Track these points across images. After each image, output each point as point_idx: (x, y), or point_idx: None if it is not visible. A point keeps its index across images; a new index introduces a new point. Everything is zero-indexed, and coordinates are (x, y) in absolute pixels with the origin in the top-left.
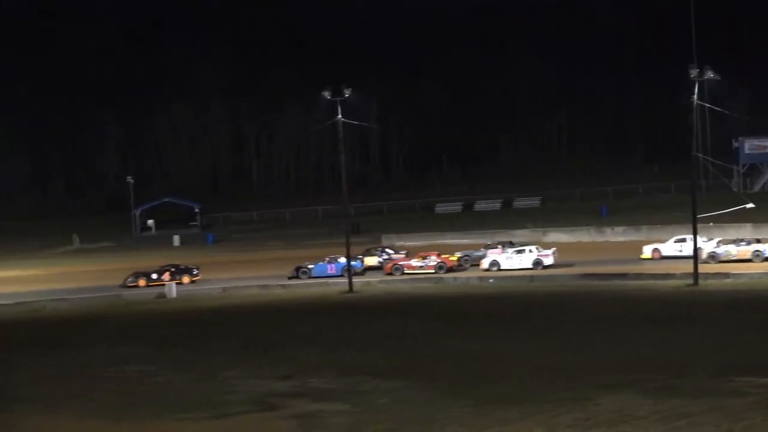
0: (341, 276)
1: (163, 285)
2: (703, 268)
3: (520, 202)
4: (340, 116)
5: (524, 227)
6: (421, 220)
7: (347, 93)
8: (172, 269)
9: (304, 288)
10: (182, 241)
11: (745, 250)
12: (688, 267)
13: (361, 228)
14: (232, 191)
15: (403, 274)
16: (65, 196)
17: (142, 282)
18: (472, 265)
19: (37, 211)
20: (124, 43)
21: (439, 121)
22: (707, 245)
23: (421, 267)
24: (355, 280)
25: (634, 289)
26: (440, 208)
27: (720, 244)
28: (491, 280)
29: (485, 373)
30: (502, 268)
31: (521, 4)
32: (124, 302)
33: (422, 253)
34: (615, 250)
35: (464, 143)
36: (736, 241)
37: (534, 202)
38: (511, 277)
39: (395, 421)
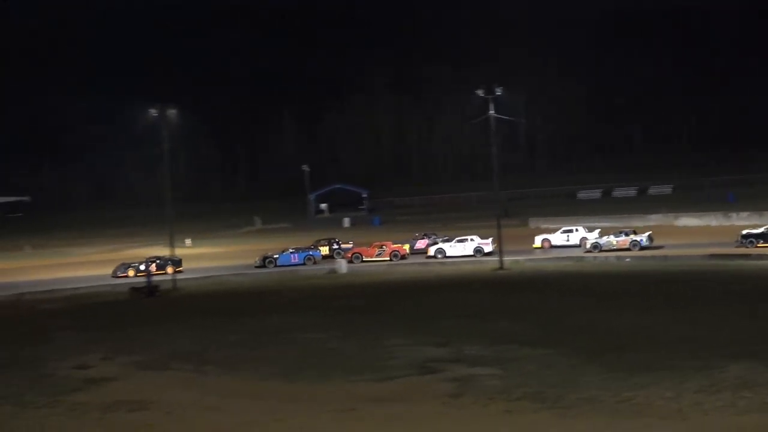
0: (303, 264)
1: (150, 275)
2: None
3: (654, 190)
4: (492, 112)
5: (658, 212)
6: (564, 205)
7: (498, 91)
8: (158, 261)
9: (459, 266)
10: (352, 223)
11: (624, 240)
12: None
13: (510, 212)
14: (394, 179)
15: (363, 261)
16: (249, 182)
17: (131, 272)
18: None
19: (224, 194)
20: (300, 42)
21: (580, 116)
22: (590, 235)
23: (379, 255)
24: (505, 258)
25: (756, 269)
26: (582, 194)
27: (601, 235)
28: (628, 260)
29: (621, 343)
30: (447, 255)
31: (653, 7)
32: (299, 277)
33: (377, 243)
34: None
35: (603, 135)
36: (616, 233)
37: (666, 189)
38: (645, 257)
39: (541, 385)
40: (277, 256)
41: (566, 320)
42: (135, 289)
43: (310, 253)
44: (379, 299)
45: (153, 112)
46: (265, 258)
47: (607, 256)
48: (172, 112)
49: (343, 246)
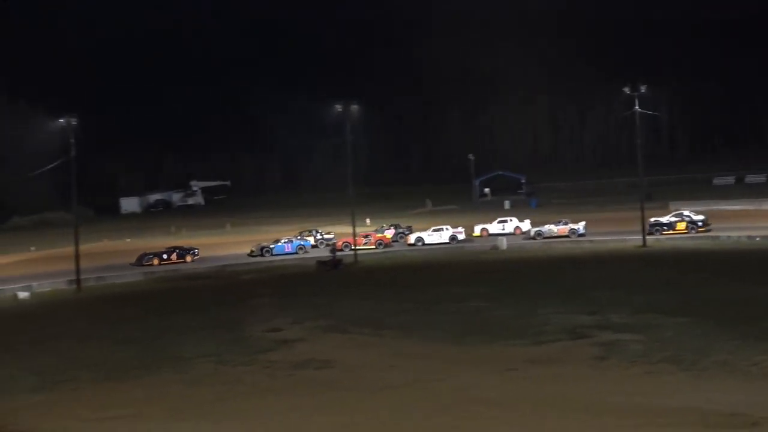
0: (295, 253)
1: (172, 263)
2: None
3: None
4: (636, 107)
5: None
6: (700, 190)
7: (642, 89)
8: (178, 250)
9: (607, 244)
10: (511, 206)
11: (563, 228)
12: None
13: (652, 196)
14: (549, 166)
15: (351, 249)
16: (421, 169)
17: (156, 261)
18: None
19: (399, 179)
20: (467, 43)
21: (716, 110)
22: (523, 225)
23: (365, 243)
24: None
25: None
26: (717, 180)
27: (533, 225)
28: (758, 238)
29: (752, 313)
30: (426, 243)
31: None
32: (464, 252)
33: (363, 233)
34: None
35: (736, 127)
36: (556, 222)
37: None
38: None
39: (678, 349)
40: (273, 246)
41: (703, 292)
42: (321, 263)
43: (302, 243)
44: (536, 272)
45: (338, 107)
46: (262, 248)
47: (739, 236)
48: (354, 107)
49: (326, 236)
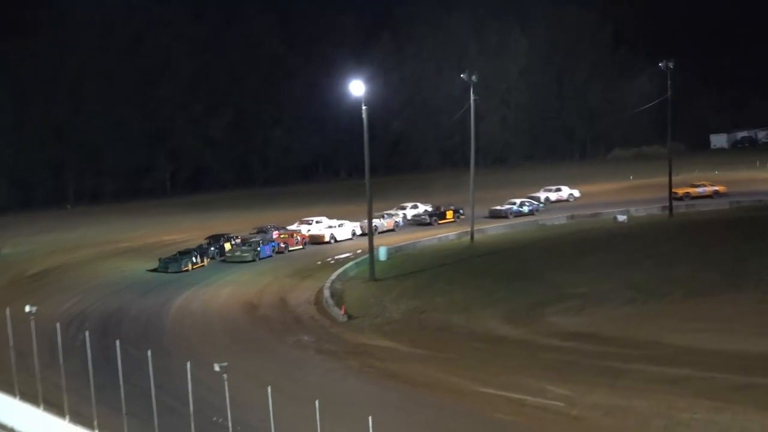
0: (270, 257)
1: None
2: None
3: None
4: None
5: None
6: None
7: None
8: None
9: None
10: None
11: (390, 221)
12: None
13: None
14: None
15: (289, 251)
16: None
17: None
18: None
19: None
20: None
21: None
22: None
23: (296, 243)
24: None
25: None
26: None
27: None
28: None
29: None
30: (338, 239)
31: None
32: None
33: (290, 232)
34: None
35: None
36: (383, 215)
37: None
38: None
39: None
40: (259, 249)
41: None
42: None
43: (273, 244)
44: None
45: None
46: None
47: None
48: None
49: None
